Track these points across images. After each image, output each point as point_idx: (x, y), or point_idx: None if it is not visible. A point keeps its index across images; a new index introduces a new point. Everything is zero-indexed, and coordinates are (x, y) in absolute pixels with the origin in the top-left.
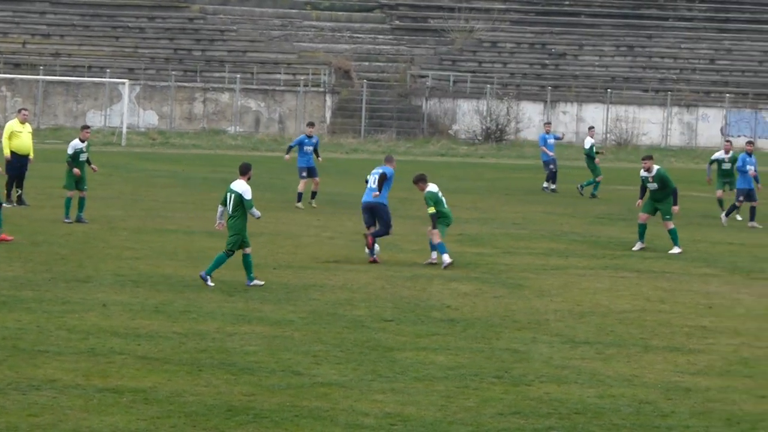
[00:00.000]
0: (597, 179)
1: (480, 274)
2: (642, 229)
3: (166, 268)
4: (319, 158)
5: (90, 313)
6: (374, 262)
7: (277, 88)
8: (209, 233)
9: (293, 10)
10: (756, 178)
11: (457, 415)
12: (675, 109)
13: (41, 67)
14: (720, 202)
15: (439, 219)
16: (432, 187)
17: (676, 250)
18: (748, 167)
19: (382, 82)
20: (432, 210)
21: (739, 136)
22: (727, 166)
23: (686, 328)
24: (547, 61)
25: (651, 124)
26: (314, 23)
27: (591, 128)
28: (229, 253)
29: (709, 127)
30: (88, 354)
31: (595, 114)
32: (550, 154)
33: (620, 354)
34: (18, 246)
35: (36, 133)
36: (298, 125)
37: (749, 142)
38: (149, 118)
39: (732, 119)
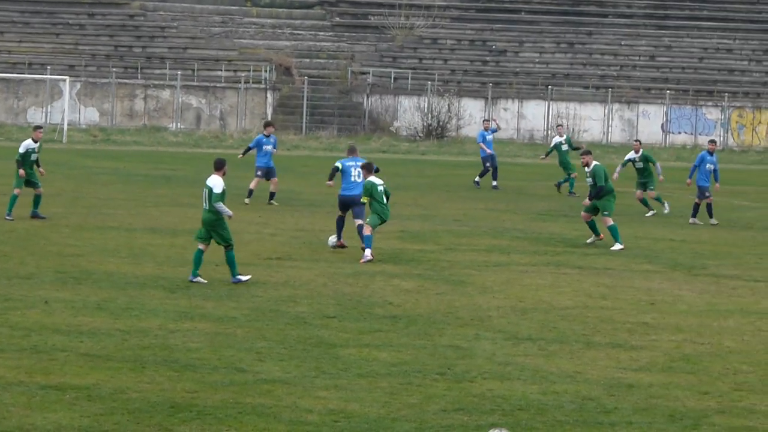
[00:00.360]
0: (572, 175)
1: (422, 270)
2: (591, 224)
3: (108, 265)
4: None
5: (32, 310)
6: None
7: (218, 84)
8: (151, 230)
9: (234, 7)
10: (716, 176)
11: (401, 412)
12: (616, 106)
13: None
14: (643, 201)
15: (373, 211)
16: (375, 179)
17: (617, 246)
18: (708, 166)
19: (323, 79)
20: (365, 200)
21: (679, 132)
22: (639, 165)
23: (628, 324)
24: (487, 58)
25: (592, 120)
26: (255, 20)
27: (559, 126)
28: (229, 246)
29: (650, 124)
30: (30, 351)
31: (535, 110)
32: (488, 151)
33: (563, 350)
34: None
35: None
36: (239, 122)
37: (711, 141)
38: (90, 115)
39: (672, 116)
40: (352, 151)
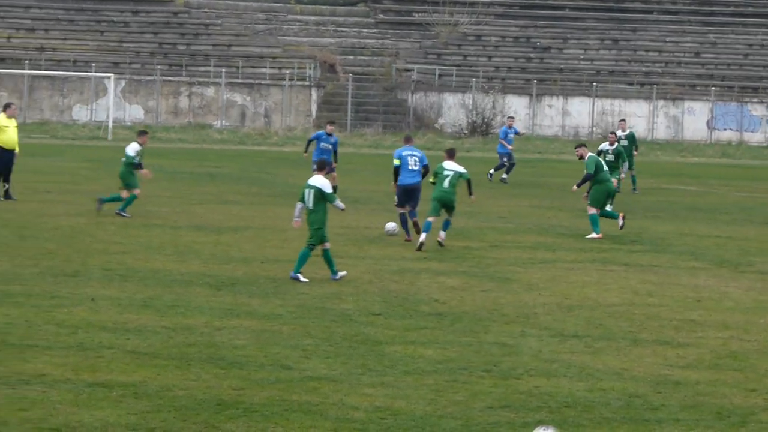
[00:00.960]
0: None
1: (467, 267)
2: (604, 213)
3: (153, 263)
4: (335, 162)
5: (78, 307)
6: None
7: (263, 82)
8: (196, 227)
9: (278, 4)
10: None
11: (447, 409)
12: (660, 103)
13: (26, 62)
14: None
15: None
16: (446, 164)
17: (593, 235)
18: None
19: (367, 76)
20: (431, 179)
21: (725, 129)
22: (610, 157)
23: (675, 321)
24: (531, 55)
25: (637, 117)
26: (299, 17)
27: (622, 121)
28: (311, 247)
29: (695, 121)
30: (77, 348)
31: (580, 107)
32: (509, 147)
33: (609, 347)
34: (5, 240)
35: (21, 128)
36: (283, 119)
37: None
38: (135, 112)
39: (718, 112)
40: (408, 140)
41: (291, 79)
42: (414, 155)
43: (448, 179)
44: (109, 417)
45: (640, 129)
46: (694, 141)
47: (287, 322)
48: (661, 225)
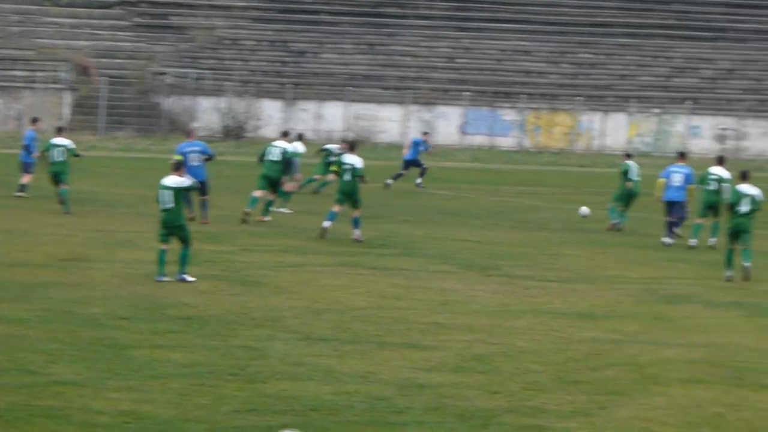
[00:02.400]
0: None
1: (217, 271)
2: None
3: None
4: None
5: None
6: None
7: (15, 84)
8: None
9: (33, 6)
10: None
11: (193, 413)
12: (414, 107)
13: None
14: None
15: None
16: (346, 157)
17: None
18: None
19: (122, 79)
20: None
21: (477, 134)
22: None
23: (421, 324)
24: (287, 59)
25: (391, 122)
26: (54, 19)
27: (426, 133)
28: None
29: (448, 125)
30: None
31: (334, 112)
32: (408, 157)
33: (356, 351)
34: None
35: None
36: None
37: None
38: None
39: (470, 117)
40: (189, 134)
41: (44, 82)
42: (194, 150)
43: (349, 173)
44: None
45: (393, 133)
46: (447, 145)
47: (33, 326)
48: (412, 229)
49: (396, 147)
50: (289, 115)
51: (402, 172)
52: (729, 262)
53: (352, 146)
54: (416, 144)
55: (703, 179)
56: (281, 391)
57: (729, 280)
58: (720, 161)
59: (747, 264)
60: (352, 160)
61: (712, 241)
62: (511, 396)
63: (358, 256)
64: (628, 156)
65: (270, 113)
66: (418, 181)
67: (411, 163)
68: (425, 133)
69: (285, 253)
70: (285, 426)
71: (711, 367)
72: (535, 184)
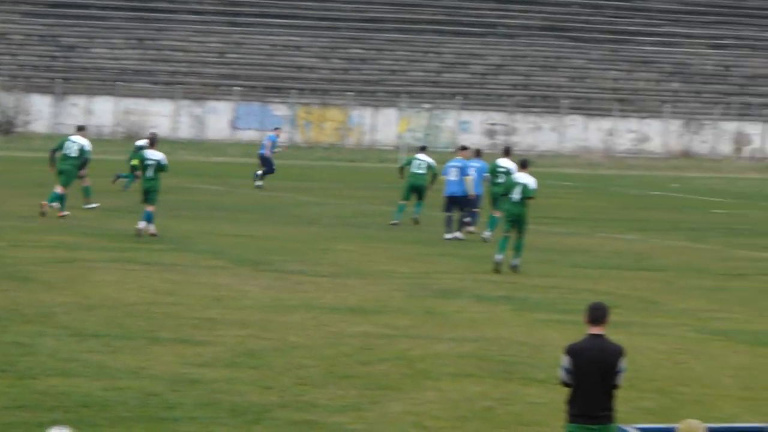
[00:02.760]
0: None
1: None
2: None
3: None
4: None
5: None
6: None
7: None
8: None
9: None
10: None
11: None
12: (185, 102)
13: None
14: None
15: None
16: (148, 153)
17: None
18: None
19: None
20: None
21: (248, 128)
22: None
23: (194, 320)
24: (57, 54)
25: (161, 117)
26: None
27: (277, 128)
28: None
29: (218, 120)
30: None
31: (104, 107)
32: (267, 153)
33: (128, 346)
34: None
35: None
36: None
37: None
38: None
39: (241, 112)
40: (152, 142)
41: None
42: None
43: (152, 168)
44: None
45: (163, 128)
46: (217, 140)
47: None
48: (184, 224)
49: (167, 142)
50: (59, 110)
51: (268, 169)
52: (501, 248)
53: (152, 142)
54: (273, 141)
55: (492, 171)
56: (52, 387)
57: (498, 263)
58: (507, 153)
59: (515, 262)
60: (156, 156)
61: (486, 234)
62: (284, 391)
63: (130, 252)
64: (423, 149)
65: (40, 108)
66: (259, 175)
67: (265, 160)
68: (277, 129)
69: (56, 249)
70: (55, 422)
71: (481, 362)
72: (305, 179)
